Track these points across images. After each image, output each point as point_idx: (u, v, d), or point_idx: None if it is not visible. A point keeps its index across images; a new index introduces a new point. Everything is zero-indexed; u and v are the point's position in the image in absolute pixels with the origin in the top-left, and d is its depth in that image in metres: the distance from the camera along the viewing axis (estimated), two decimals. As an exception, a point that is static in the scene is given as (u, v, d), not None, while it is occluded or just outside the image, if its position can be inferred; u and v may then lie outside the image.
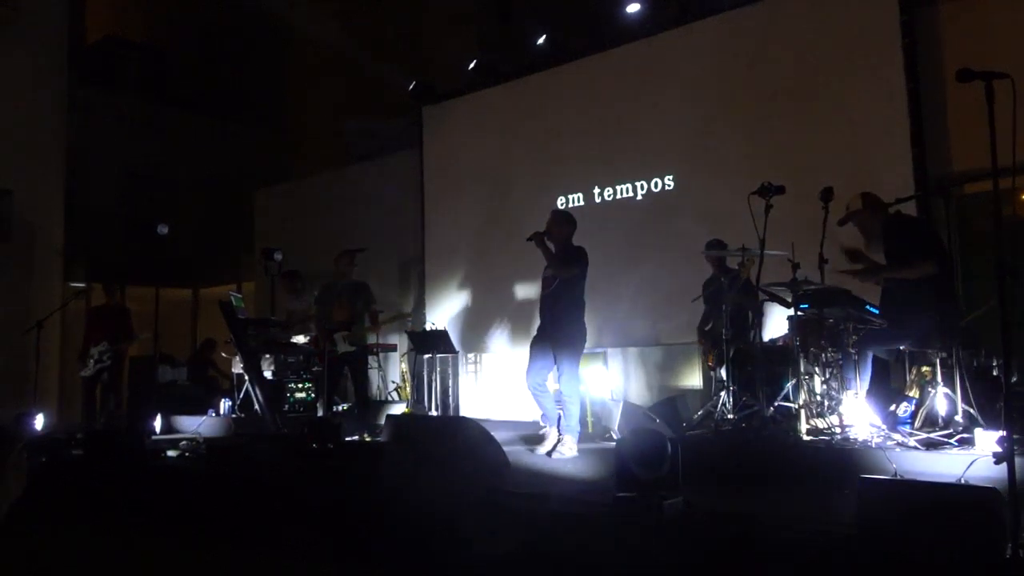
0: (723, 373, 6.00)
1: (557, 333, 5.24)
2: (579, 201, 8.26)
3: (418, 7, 11.51)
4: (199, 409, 7.71)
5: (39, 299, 11.06)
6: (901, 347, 4.38)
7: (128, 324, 7.80)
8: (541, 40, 8.81)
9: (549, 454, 5.06)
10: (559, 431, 5.23)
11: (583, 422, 7.07)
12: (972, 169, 5.54)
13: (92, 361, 7.52)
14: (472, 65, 9.34)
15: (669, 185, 7.65)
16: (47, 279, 11.95)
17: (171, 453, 5.22)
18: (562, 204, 8.36)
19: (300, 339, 7.69)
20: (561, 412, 5.24)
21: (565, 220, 5.50)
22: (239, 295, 8.12)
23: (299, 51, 14.39)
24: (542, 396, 5.36)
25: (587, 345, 7.70)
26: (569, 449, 5.08)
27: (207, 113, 16.19)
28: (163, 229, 8.20)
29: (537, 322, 5.54)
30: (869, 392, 4.20)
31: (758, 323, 5.18)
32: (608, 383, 7.40)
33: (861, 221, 4.57)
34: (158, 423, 7.20)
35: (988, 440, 3.49)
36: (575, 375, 5.25)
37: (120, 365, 7.79)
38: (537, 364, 5.32)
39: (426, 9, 11.39)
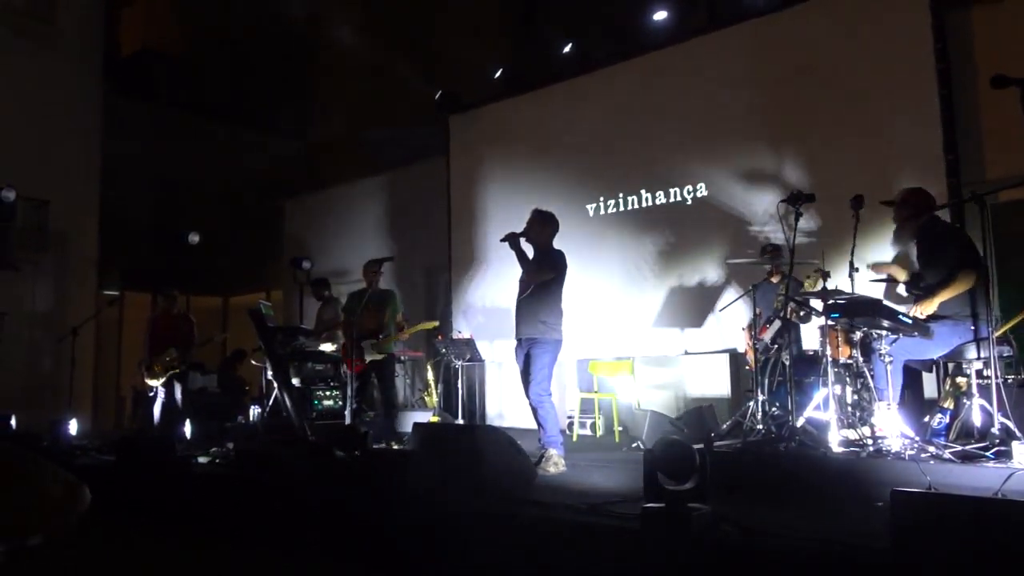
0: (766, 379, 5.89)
1: (531, 339, 4.95)
2: (608, 209, 8.25)
3: (444, 17, 11.59)
4: (229, 416, 7.81)
5: (74, 307, 11.29)
6: (934, 357, 4.31)
7: (193, 334, 7.83)
8: (567, 49, 8.83)
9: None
10: (541, 446, 4.87)
11: (611, 431, 7.06)
12: (1007, 176, 5.43)
13: (164, 371, 7.56)
14: (498, 74, 9.38)
15: (698, 193, 7.60)
16: (82, 287, 12.20)
17: (201, 459, 5.28)
18: (592, 212, 8.35)
19: (328, 347, 7.77)
20: (539, 425, 4.89)
21: (546, 220, 5.13)
22: (268, 303, 8.22)
23: (327, 62, 14.55)
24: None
25: (614, 353, 7.74)
26: (555, 465, 4.72)
27: (237, 124, 16.45)
28: (194, 238, 8.35)
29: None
30: (902, 403, 4.13)
31: (788, 333, 5.12)
32: (635, 392, 7.36)
33: (900, 215, 4.49)
34: (188, 429, 7.31)
35: (1026, 453, 3.41)
36: (545, 382, 4.90)
37: (186, 374, 7.77)
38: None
39: (452, 19, 11.47)
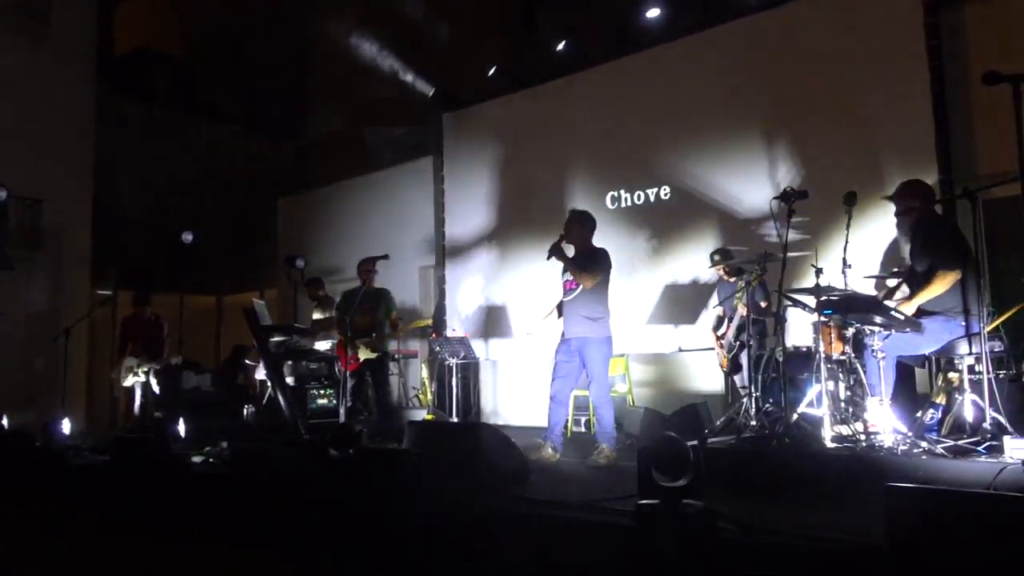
0: (736, 379, 6.06)
1: (584, 339, 5.05)
2: (600, 207, 8.25)
3: (439, 15, 11.58)
4: (224, 415, 7.78)
5: (68, 306, 11.26)
6: (926, 353, 4.32)
7: (161, 338, 7.79)
8: (561, 46, 8.83)
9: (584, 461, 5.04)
10: (595, 440, 5.15)
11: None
12: (999, 172, 5.45)
13: (131, 374, 7.55)
14: (492, 72, 9.38)
15: (691, 190, 7.61)
16: (76, 287, 12.16)
17: (196, 459, 5.27)
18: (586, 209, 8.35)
19: (323, 345, 7.76)
20: (595, 419, 5.26)
21: (583, 219, 5.27)
22: (263, 302, 8.19)
23: (321, 61, 14.54)
24: (560, 407, 5.18)
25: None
26: (606, 457, 4.98)
27: (232, 122, 16.41)
28: (188, 237, 8.31)
29: (554, 328, 5.46)
30: (894, 399, 4.14)
31: (781, 329, 5.14)
32: (629, 389, 7.37)
33: (900, 206, 4.50)
34: (182, 428, 7.28)
35: (1017, 447, 3.43)
36: (605, 380, 5.10)
37: (161, 379, 7.74)
38: (562, 372, 5.15)
39: (447, 17, 11.47)
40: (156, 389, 7.53)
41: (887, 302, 4.33)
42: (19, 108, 11.50)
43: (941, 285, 4.09)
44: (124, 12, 16.49)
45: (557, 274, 5.42)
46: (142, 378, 7.50)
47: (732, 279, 6.14)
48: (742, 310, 5.84)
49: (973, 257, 4.19)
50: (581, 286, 5.08)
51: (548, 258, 5.10)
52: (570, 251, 5.27)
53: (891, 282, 5.00)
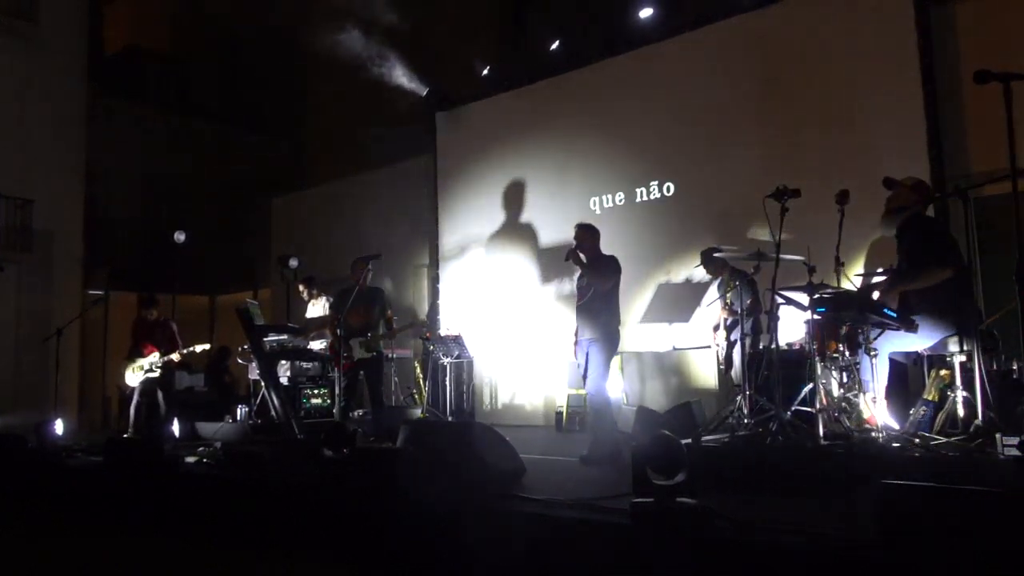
0: (734, 376, 6.09)
1: (591, 339, 5.35)
2: (593, 206, 8.26)
3: (433, 14, 11.56)
4: (216, 415, 7.76)
5: (59, 307, 11.21)
6: (919, 350, 4.34)
7: (173, 336, 7.73)
8: (554, 46, 8.82)
9: (583, 460, 5.14)
10: (590, 437, 5.32)
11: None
12: (991, 170, 5.48)
13: (141, 371, 7.49)
14: (485, 71, 9.37)
15: (684, 189, 7.63)
16: (67, 287, 12.11)
17: (189, 459, 5.26)
18: (579, 208, 8.36)
19: (316, 345, 7.74)
20: (590, 416, 5.39)
21: (592, 231, 5.64)
22: (255, 302, 8.17)
23: (314, 60, 14.49)
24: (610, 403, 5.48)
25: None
26: (601, 455, 5.09)
27: (225, 122, 16.35)
28: (180, 237, 8.29)
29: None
30: (887, 396, 4.15)
31: (774, 327, 5.15)
32: (623, 387, 7.38)
33: (899, 200, 4.50)
34: (176, 429, 7.26)
35: (1009, 444, 3.44)
36: (602, 378, 5.31)
37: (168, 377, 7.70)
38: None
39: (441, 16, 11.45)
40: (160, 399, 7.47)
41: (874, 293, 4.35)
42: (8, 109, 11.44)
43: (927, 280, 4.11)
44: (114, 11, 16.41)
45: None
46: (156, 373, 7.42)
47: (720, 279, 6.23)
48: (723, 312, 5.93)
49: (965, 256, 4.21)
50: (593, 291, 5.40)
51: (567, 259, 5.49)
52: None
53: (877, 280, 5.02)
